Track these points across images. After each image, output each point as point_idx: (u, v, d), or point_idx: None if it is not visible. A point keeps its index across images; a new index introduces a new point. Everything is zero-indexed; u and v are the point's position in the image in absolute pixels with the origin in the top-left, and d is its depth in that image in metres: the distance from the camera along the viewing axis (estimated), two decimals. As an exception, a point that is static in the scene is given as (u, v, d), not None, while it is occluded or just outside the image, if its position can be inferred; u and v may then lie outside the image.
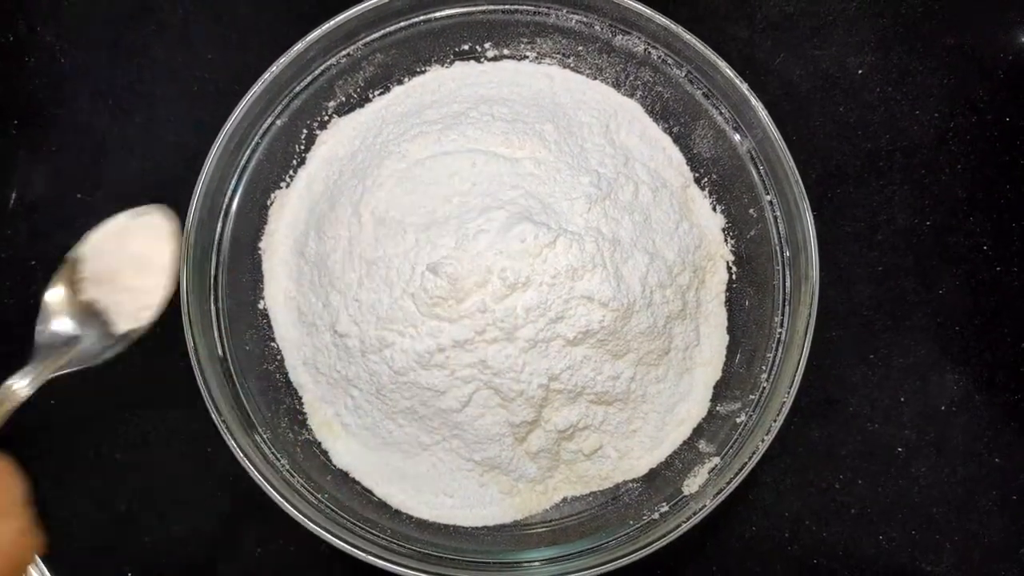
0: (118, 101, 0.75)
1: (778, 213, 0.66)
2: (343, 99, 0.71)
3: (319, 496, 0.61)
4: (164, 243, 0.50)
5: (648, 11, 0.66)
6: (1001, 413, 0.71)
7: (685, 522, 0.58)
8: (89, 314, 0.51)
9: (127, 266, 0.51)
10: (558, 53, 0.71)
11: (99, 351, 0.51)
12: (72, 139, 0.74)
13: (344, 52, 0.68)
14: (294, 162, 0.70)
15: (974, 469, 0.70)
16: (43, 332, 0.51)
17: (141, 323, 0.51)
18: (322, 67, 0.68)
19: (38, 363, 0.49)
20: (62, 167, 0.74)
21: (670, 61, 0.68)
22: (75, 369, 0.50)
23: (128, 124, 0.75)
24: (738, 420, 0.63)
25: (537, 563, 0.60)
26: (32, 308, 0.71)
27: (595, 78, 0.71)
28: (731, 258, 0.69)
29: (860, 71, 0.77)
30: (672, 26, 0.65)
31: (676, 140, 0.71)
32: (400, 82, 0.71)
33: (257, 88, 0.65)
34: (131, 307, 0.51)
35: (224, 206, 0.66)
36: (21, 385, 0.47)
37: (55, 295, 0.52)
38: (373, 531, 0.60)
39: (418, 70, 0.71)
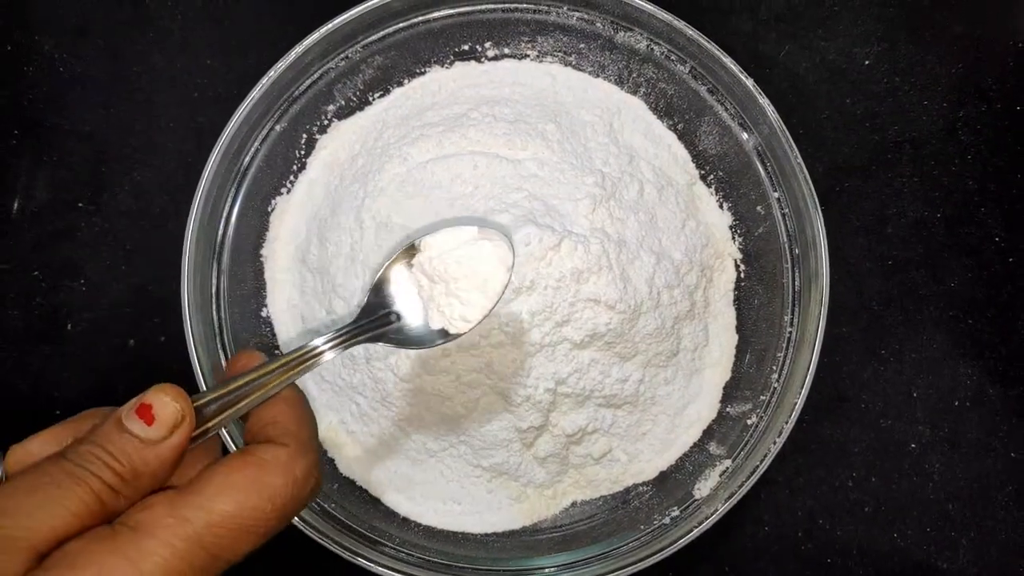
0: (118, 109, 0.75)
1: (786, 210, 0.65)
2: (342, 103, 0.70)
3: (325, 505, 0.61)
4: (503, 273, 0.52)
5: (650, 7, 0.64)
6: (1016, 406, 0.70)
7: (697, 527, 0.57)
8: (411, 298, 0.52)
9: (463, 276, 0.51)
10: (559, 51, 0.70)
11: (409, 336, 0.52)
12: (73, 148, 0.74)
13: (343, 55, 0.67)
14: (294, 167, 0.70)
15: (989, 464, 0.70)
16: (372, 297, 0.52)
17: (458, 330, 0.51)
18: (321, 71, 0.67)
19: (355, 326, 0.49)
20: (63, 176, 0.74)
21: (673, 57, 0.67)
22: (375, 343, 0.50)
23: (128, 132, 0.74)
24: (749, 421, 0.63)
25: (548, 570, 0.59)
26: (36, 319, 0.71)
27: (597, 76, 0.70)
28: (739, 256, 0.68)
29: (867, 62, 0.76)
30: (675, 22, 0.64)
31: (681, 137, 0.70)
32: (400, 84, 0.71)
33: (255, 93, 0.64)
34: (452, 312, 0.51)
35: (224, 213, 0.66)
36: (328, 344, 0.46)
37: (397, 269, 0.52)
38: (381, 540, 0.60)
39: (418, 71, 0.71)
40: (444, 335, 0.51)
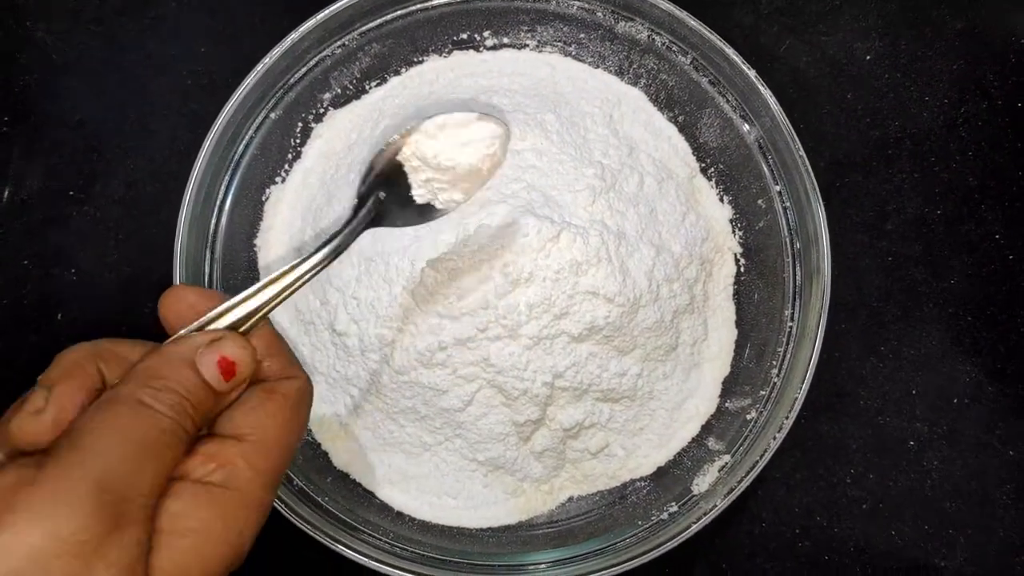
0: (110, 96, 0.74)
1: (788, 204, 0.64)
2: (339, 91, 0.69)
3: (319, 499, 0.60)
4: (494, 159, 0.52)
5: (651, -3, 0.64)
6: (1014, 404, 0.70)
7: (695, 523, 0.57)
8: (403, 181, 0.52)
9: (451, 160, 0.51)
10: (559, 41, 0.70)
11: (400, 215, 0.52)
12: (65, 135, 0.73)
13: (339, 42, 0.67)
14: (289, 156, 0.69)
15: (987, 461, 0.69)
16: (364, 185, 0.51)
17: (445, 208, 0.52)
18: (317, 58, 0.66)
19: (348, 229, 0.48)
20: (55, 164, 0.73)
21: (675, 48, 0.66)
22: (373, 227, 0.50)
23: (121, 119, 0.73)
24: (748, 417, 0.62)
25: (544, 565, 0.59)
26: (26, 308, 0.70)
27: (598, 67, 0.70)
28: (739, 250, 0.68)
29: (868, 57, 0.75)
30: (677, 12, 0.64)
31: (681, 129, 0.69)
32: (397, 72, 0.70)
33: (250, 80, 0.63)
34: (439, 193, 0.52)
35: (218, 202, 0.65)
36: (323, 256, 0.45)
37: (390, 157, 0.52)
38: (375, 534, 0.59)
39: (415, 60, 0.70)
40: (436, 211, 0.52)
